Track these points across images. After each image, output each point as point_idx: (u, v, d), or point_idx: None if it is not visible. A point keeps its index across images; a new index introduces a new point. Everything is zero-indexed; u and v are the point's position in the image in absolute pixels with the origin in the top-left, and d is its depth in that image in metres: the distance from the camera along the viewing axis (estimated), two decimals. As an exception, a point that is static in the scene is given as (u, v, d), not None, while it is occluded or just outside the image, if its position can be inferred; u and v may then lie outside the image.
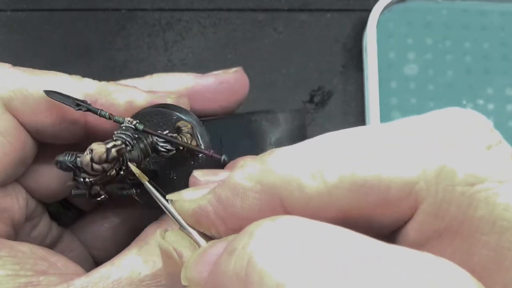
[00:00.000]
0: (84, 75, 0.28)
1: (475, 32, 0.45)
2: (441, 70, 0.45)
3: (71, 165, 0.24)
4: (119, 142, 0.24)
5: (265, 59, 0.47)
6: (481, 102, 0.44)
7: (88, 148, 0.23)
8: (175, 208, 0.20)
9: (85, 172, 0.24)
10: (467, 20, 0.46)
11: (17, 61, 0.47)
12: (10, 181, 0.28)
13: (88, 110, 0.25)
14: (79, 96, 0.26)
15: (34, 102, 0.26)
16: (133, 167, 0.24)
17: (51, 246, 0.31)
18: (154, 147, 0.25)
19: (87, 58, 0.47)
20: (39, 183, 0.29)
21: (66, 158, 0.24)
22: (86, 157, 0.23)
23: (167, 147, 0.25)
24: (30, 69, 0.27)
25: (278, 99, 0.46)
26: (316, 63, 0.47)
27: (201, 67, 0.47)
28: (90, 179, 0.24)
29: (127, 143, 0.24)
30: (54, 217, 0.32)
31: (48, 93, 0.25)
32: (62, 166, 0.24)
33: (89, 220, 0.33)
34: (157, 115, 0.26)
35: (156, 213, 0.27)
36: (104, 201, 0.26)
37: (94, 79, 0.28)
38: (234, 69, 0.31)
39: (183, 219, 0.20)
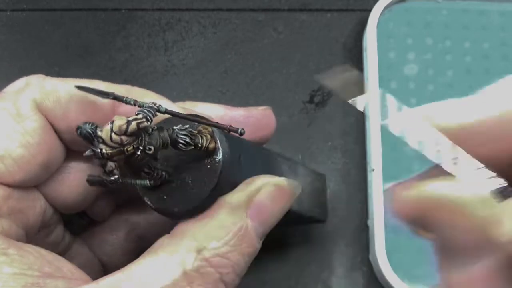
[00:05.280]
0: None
1: (475, 32, 0.45)
2: (441, 70, 0.45)
3: (91, 132, 0.23)
4: (140, 116, 0.24)
5: (265, 59, 0.47)
6: (481, 102, 0.44)
7: (110, 121, 0.24)
8: (395, 201, 0.20)
9: (103, 142, 0.23)
10: (467, 20, 0.46)
11: (17, 61, 0.47)
12: (31, 184, 0.27)
13: (115, 98, 0.25)
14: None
15: (65, 103, 0.27)
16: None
17: (62, 253, 0.31)
18: (173, 139, 0.25)
19: (87, 58, 0.47)
20: (60, 193, 0.29)
21: (87, 125, 0.24)
22: (106, 126, 0.23)
23: (186, 140, 0.25)
24: (62, 78, 0.28)
25: (278, 99, 0.46)
26: (316, 63, 0.47)
27: (201, 67, 0.47)
28: (107, 151, 0.23)
29: (148, 118, 0.24)
30: (67, 224, 0.32)
31: (79, 87, 0.26)
32: (82, 132, 0.24)
33: (100, 228, 0.33)
34: (179, 121, 0.26)
35: (165, 221, 0.27)
36: (115, 189, 0.26)
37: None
38: (263, 107, 0.32)
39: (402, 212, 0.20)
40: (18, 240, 0.27)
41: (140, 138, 0.24)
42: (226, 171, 0.25)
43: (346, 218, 0.43)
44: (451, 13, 0.46)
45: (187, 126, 0.25)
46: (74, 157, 0.29)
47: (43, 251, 0.26)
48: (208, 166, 0.25)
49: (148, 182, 0.25)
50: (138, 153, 0.24)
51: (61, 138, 0.28)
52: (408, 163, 0.42)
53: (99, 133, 0.24)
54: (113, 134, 0.23)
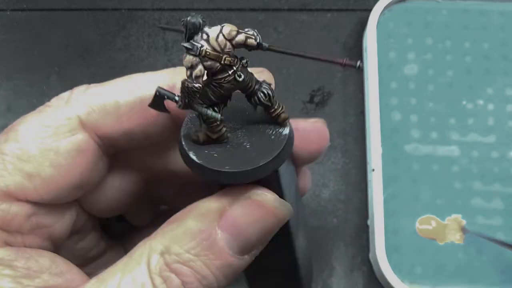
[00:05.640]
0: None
1: (475, 32, 0.45)
2: (441, 70, 0.45)
3: (200, 22, 0.22)
4: (250, 33, 0.22)
5: (265, 59, 0.47)
6: (481, 102, 0.44)
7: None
8: None
9: (207, 40, 0.22)
10: (467, 20, 0.46)
11: (17, 61, 0.47)
12: (62, 202, 0.26)
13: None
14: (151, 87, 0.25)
15: (114, 111, 0.25)
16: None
17: (95, 257, 0.31)
18: (255, 90, 0.23)
19: (87, 58, 0.47)
20: (96, 203, 0.28)
21: (198, 16, 0.22)
22: (215, 27, 0.22)
23: (269, 92, 0.23)
24: (101, 83, 0.26)
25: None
26: (316, 63, 0.47)
27: (201, 67, 0.47)
28: (207, 50, 0.22)
29: (256, 38, 0.22)
30: (103, 227, 0.31)
31: (162, 28, 0.24)
32: (191, 21, 0.22)
33: (138, 234, 0.32)
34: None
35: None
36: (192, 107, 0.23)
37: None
38: (314, 119, 0.30)
39: None
40: (43, 248, 0.26)
41: (236, 60, 0.22)
42: (286, 150, 0.23)
43: (346, 218, 0.43)
44: (451, 13, 0.46)
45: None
46: (118, 166, 0.28)
47: (59, 260, 0.25)
48: (272, 137, 0.24)
49: (219, 115, 0.23)
50: (234, 69, 0.22)
51: (109, 149, 0.27)
52: (408, 163, 0.42)
53: (206, 29, 0.22)
54: (220, 35, 0.22)
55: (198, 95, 0.22)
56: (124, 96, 0.25)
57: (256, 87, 0.23)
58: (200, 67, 0.22)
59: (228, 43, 0.22)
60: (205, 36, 0.22)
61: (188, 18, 0.22)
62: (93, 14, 0.48)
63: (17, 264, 0.24)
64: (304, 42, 0.47)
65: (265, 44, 0.23)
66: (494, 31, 0.45)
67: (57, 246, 0.28)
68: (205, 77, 0.22)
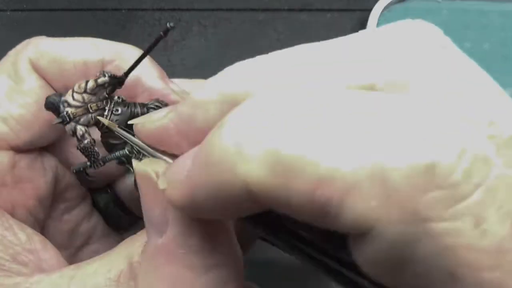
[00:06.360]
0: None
1: (475, 32, 0.45)
2: (441, 70, 0.45)
3: (55, 98, 0.24)
4: (98, 74, 0.24)
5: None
6: (481, 102, 0.44)
7: None
8: (139, 132, 0.21)
9: (68, 105, 0.24)
10: (467, 20, 0.46)
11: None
12: (40, 144, 0.28)
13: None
14: (96, 57, 0.27)
15: (61, 62, 0.27)
16: (101, 118, 0.24)
17: (88, 238, 0.31)
18: (144, 114, 0.25)
19: (87, 58, 0.47)
20: (72, 153, 0.29)
21: (52, 95, 0.24)
22: (69, 91, 0.24)
23: (156, 106, 0.25)
24: (59, 38, 0.29)
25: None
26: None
27: (201, 67, 0.47)
28: (72, 112, 0.24)
29: (106, 74, 0.24)
30: (103, 214, 0.32)
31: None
32: (47, 102, 0.24)
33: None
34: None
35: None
36: (95, 163, 0.25)
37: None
38: None
39: (148, 142, 0.20)
40: (35, 212, 0.27)
41: (106, 101, 0.24)
42: None
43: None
44: (451, 13, 0.46)
45: (162, 100, 0.25)
46: None
47: (35, 238, 0.26)
48: None
49: (126, 150, 0.24)
50: (107, 109, 0.24)
51: None
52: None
53: (63, 98, 0.24)
54: (74, 94, 0.24)
55: (95, 149, 0.24)
56: (71, 53, 0.27)
57: (144, 109, 0.25)
58: (78, 127, 0.24)
59: (85, 95, 0.24)
60: (65, 104, 0.24)
61: (44, 104, 0.24)
62: (93, 14, 0.48)
63: None
64: (304, 42, 0.47)
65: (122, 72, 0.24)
66: (494, 31, 0.45)
67: (45, 210, 0.28)
68: (92, 136, 0.24)
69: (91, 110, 0.24)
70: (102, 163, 0.25)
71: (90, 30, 0.48)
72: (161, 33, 0.22)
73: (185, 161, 0.18)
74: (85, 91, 0.24)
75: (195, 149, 0.18)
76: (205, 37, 0.48)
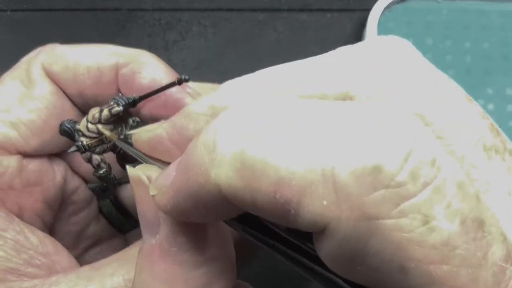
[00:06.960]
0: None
1: (475, 32, 0.45)
2: (441, 70, 0.44)
3: (69, 126, 0.24)
4: (111, 103, 0.24)
5: (265, 59, 0.47)
6: (481, 102, 0.44)
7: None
8: (136, 141, 0.21)
9: (82, 135, 0.24)
10: (467, 20, 0.46)
11: (17, 61, 0.47)
12: (50, 151, 0.28)
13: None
14: (110, 62, 0.27)
15: (74, 68, 0.27)
16: (102, 129, 0.24)
17: (96, 241, 0.31)
18: None
19: (87, 58, 0.47)
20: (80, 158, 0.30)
21: (66, 121, 0.24)
22: (83, 119, 0.24)
23: None
24: (73, 44, 0.29)
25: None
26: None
27: (201, 67, 0.47)
28: (87, 142, 0.24)
29: (120, 103, 0.24)
30: (106, 218, 0.32)
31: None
32: (61, 129, 0.24)
33: None
34: None
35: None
36: (113, 184, 0.26)
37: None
38: None
39: (143, 150, 0.21)
40: (43, 215, 0.27)
41: (120, 128, 0.24)
42: None
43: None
44: (451, 13, 0.46)
45: None
46: None
47: (46, 241, 0.26)
48: None
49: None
50: (122, 136, 0.24)
51: (75, 103, 0.28)
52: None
53: (77, 126, 0.24)
54: (89, 124, 0.24)
55: (112, 175, 0.25)
56: (85, 59, 0.27)
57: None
58: (94, 157, 0.25)
59: (99, 126, 0.24)
60: (80, 133, 0.24)
61: (59, 130, 0.24)
62: (93, 14, 0.48)
63: (6, 235, 0.25)
64: (304, 42, 0.47)
65: (135, 96, 0.25)
66: (494, 31, 0.45)
67: (53, 213, 0.28)
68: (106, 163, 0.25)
69: (106, 141, 0.24)
70: (118, 185, 0.26)
71: (90, 30, 0.48)
72: (176, 80, 0.24)
73: (172, 168, 0.19)
74: (99, 121, 0.24)
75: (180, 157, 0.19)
76: (205, 37, 0.48)
